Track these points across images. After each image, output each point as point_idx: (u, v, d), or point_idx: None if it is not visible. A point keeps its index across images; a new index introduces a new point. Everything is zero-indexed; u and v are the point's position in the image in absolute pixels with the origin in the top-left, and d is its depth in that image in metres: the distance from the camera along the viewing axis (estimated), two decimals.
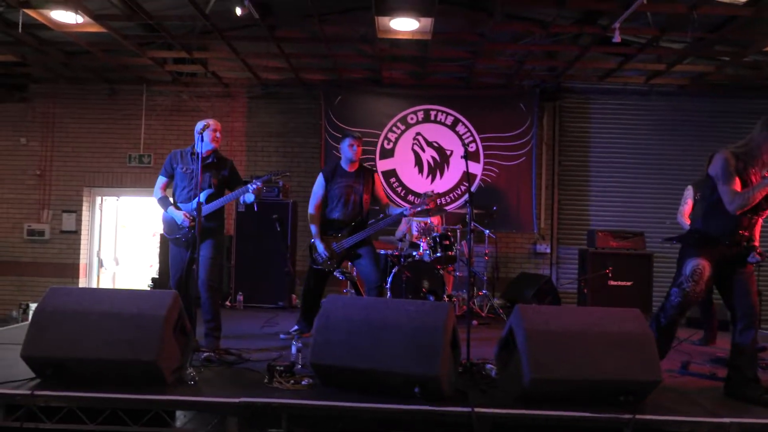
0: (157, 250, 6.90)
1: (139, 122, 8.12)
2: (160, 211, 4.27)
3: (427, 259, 5.69)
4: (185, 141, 7.85)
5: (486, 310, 6.23)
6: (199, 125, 4.12)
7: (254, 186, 4.01)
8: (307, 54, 7.05)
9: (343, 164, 4.61)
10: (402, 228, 6.63)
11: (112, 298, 3.03)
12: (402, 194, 7.74)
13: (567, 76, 7.48)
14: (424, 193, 4.90)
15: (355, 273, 5.22)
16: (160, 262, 6.68)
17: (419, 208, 4.61)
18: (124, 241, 8.85)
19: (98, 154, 8.10)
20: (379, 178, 4.80)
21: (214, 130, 4.13)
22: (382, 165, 7.81)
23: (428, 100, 7.84)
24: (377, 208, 4.74)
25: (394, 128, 7.85)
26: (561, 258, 7.74)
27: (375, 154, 7.82)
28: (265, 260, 6.63)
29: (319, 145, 7.92)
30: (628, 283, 6.07)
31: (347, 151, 4.56)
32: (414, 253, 5.81)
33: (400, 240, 6.28)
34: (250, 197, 4.09)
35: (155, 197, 4.29)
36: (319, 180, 4.61)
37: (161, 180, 4.29)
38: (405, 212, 4.55)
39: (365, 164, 4.82)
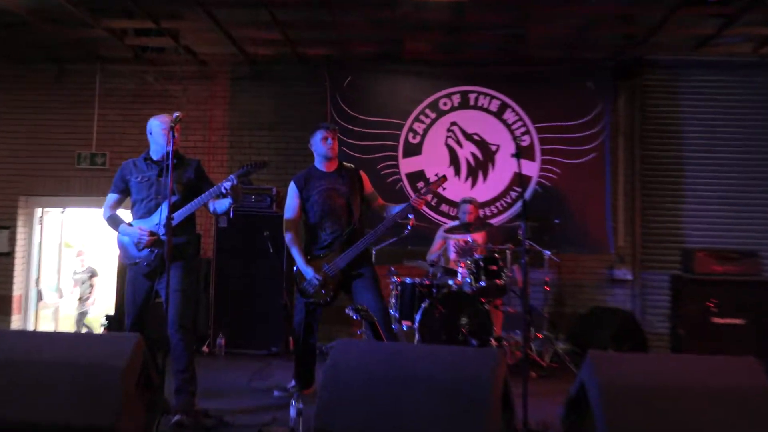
0: (113, 279, 6.97)
1: (92, 112, 8.21)
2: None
3: (467, 289, 5.69)
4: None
5: (548, 357, 6.26)
6: (157, 123, 4.39)
7: (227, 184, 4.11)
8: (308, 23, 7.05)
9: (318, 164, 4.83)
10: (434, 249, 6.67)
11: (55, 344, 3.07)
12: (433, 204, 7.76)
13: (650, 46, 7.40)
14: (434, 180, 4.92)
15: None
16: (118, 294, 6.76)
17: (426, 194, 4.75)
18: (70, 266, 8.93)
19: (38, 154, 8.22)
20: (367, 177, 4.98)
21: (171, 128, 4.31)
22: (407, 165, 7.85)
23: (466, 79, 7.88)
24: (375, 214, 4.94)
25: (422, 117, 7.91)
26: (647, 287, 7.66)
27: (397, 151, 7.86)
28: (254, 291, 6.69)
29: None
30: (739, 321, 6.02)
31: (321, 147, 4.78)
32: (450, 282, 5.82)
33: (432, 265, 6.28)
34: (223, 204, 4.26)
35: (103, 217, 4.44)
36: (291, 188, 4.79)
37: (111, 198, 4.45)
38: (411, 202, 4.71)
39: (349, 165, 4.99)
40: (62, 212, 8.62)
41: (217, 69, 8.20)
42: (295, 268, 4.72)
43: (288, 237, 4.73)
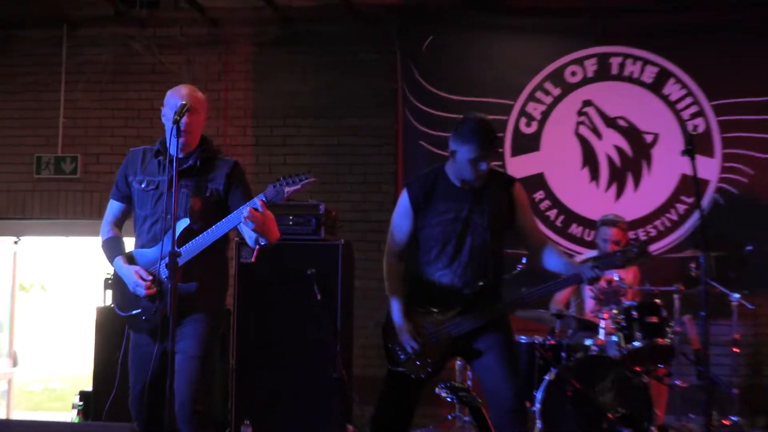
0: (90, 335, 6.99)
1: (55, 97, 8.39)
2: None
3: (613, 353, 5.64)
4: (140, 131, 8.08)
5: None
6: (168, 99, 4.38)
7: (246, 210, 4.08)
8: None
9: (453, 176, 4.62)
10: (563, 294, 6.60)
11: None
12: (558, 224, 7.76)
13: None
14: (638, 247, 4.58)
15: (469, 382, 5.31)
16: (98, 360, 6.79)
17: (614, 266, 4.53)
18: (28, 317, 9.23)
19: None
20: (525, 194, 4.83)
21: (194, 110, 4.33)
22: (518, 165, 7.81)
23: (605, 36, 7.89)
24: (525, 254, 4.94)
25: (540, 95, 7.91)
26: None
27: (503, 146, 7.86)
28: (294, 358, 6.60)
29: (392, 132, 8.02)
30: None
31: (467, 169, 4.51)
32: (588, 342, 5.80)
33: (559, 316, 6.20)
34: (249, 235, 4.27)
35: (101, 238, 4.50)
36: (403, 203, 4.68)
37: (113, 207, 4.54)
38: (584, 275, 4.44)
39: (500, 172, 4.94)
40: (16, 242, 8.76)
41: (234, 31, 8.29)
42: (385, 318, 4.68)
43: (390, 271, 4.69)
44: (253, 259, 4.45)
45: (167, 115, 4.31)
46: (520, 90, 7.90)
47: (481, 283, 4.54)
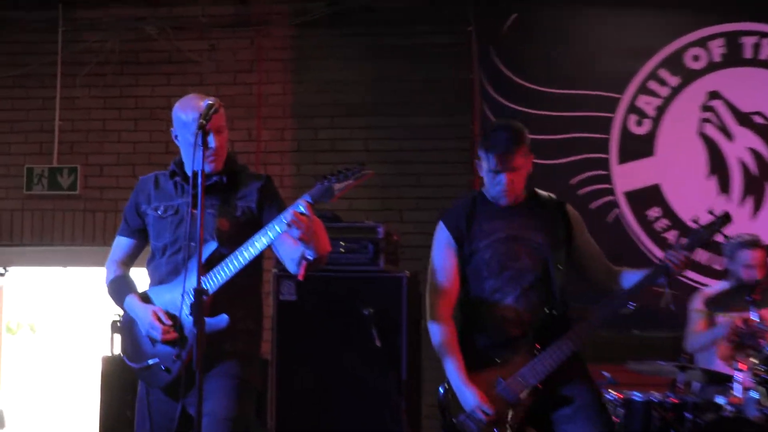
0: (95, 390, 7.01)
1: (51, 94, 8.50)
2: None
3: (753, 414, 5.53)
4: (153, 135, 8.21)
5: None
6: (179, 114, 4.39)
7: (288, 214, 4.07)
8: None
9: (490, 191, 4.75)
10: (703, 336, 6.54)
11: None
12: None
13: None
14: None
15: None
16: (104, 420, 6.83)
17: (692, 248, 4.62)
18: (15, 365, 9.13)
19: None
20: (579, 216, 4.93)
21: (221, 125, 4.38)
22: (627, 175, 7.86)
23: (734, 12, 7.90)
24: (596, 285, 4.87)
25: (653, 85, 7.92)
26: None
27: (607, 150, 7.88)
28: (346, 417, 6.57)
29: (468, 133, 8.06)
30: None
31: (490, 183, 4.69)
32: (721, 401, 5.71)
33: (683, 368, 6.13)
34: (290, 254, 4.30)
35: (105, 281, 4.56)
36: (442, 238, 4.79)
37: (120, 244, 4.62)
38: (666, 262, 4.56)
39: (546, 195, 4.93)
40: (1, 274, 8.84)
41: (268, 9, 8.40)
42: (442, 387, 4.66)
43: (436, 328, 4.70)
44: (300, 277, 4.33)
45: (183, 133, 4.37)
46: (628, 80, 7.89)
47: (549, 311, 4.61)
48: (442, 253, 4.75)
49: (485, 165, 4.62)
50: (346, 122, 8.26)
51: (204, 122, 4.09)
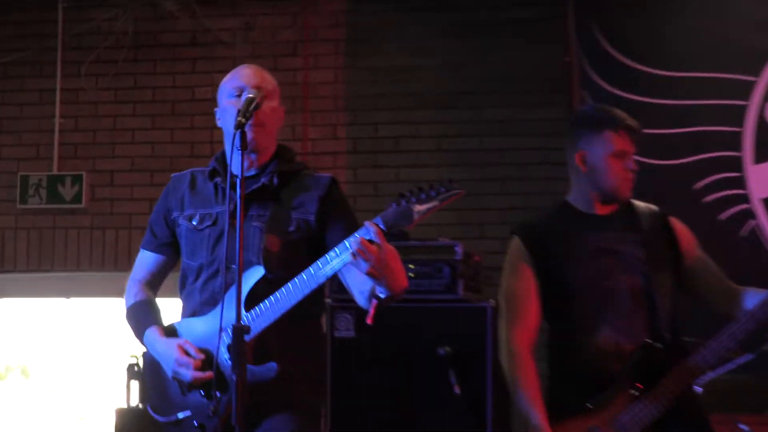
0: None
1: (50, 86, 8.23)
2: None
3: None
4: (175, 134, 8.02)
5: None
6: (230, 84, 4.26)
7: (353, 241, 3.81)
8: None
9: (582, 201, 4.73)
10: None
11: None
12: None
13: None
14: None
15: None
16: None
17: None
18: (2, 417, 9.02)
19: None
20: (689, 231, 4.85)
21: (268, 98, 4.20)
22: (764, 179, 7.31)
23: None
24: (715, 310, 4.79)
25: None
26: None
27: (740, 148, 7.34)
28: None
29: (563, 127, 7.85)
30: None
31: (606, 171, 4.62)
32: None
33: None
34: (359, 285, 4.12)
35: (125, 304, 4.34)
36: (516, 255, 4.71)
37: (145, 260, 4.41)
38: None
39: (645, 205, 4.86)
40: None
41: None
42: None
43: (512, 365, 4.57)
44: (368, 320, 4.13)
45: (226, 113, 4.19)
46: (765, 59, 7.32)
47: (652, 342, 4.52)
48: (518, 275, 4.73)
49: (599, 151, 4.57)
50: (413, 116, 8.00)
51: (243, 121, 3.85)
